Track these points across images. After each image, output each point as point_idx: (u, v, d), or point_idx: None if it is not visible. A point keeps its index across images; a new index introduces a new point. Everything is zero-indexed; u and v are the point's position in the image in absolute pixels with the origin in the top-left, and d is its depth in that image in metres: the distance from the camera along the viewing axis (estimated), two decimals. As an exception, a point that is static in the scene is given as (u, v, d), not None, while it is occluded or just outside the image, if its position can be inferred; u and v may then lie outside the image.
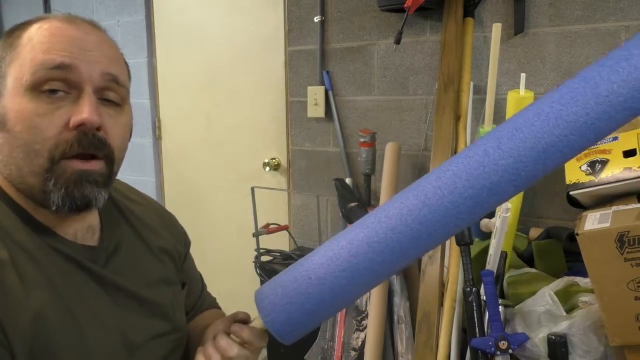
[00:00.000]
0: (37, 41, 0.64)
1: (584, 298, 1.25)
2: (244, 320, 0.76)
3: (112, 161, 0.69)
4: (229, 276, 2.47)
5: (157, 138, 2.77)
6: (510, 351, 1.23)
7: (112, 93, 0.68)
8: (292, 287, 0.69)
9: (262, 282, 1.96)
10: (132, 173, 2.81)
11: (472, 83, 1.74)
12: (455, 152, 1.68)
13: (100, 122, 0.65)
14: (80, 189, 0.65)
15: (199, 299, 0.97)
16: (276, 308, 0.69)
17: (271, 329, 0.69)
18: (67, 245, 0.69)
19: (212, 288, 1.04)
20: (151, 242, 0.83)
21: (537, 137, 0.61)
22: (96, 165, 0.66)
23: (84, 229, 0.72)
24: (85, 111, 0.64)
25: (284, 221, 2.25)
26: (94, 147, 0.65)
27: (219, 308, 1.02)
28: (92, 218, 0.74)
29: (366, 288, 0.70)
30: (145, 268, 0.79)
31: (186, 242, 0.94)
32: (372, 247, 0.65)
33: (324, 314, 0.70)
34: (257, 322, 0.73)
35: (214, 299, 1.03)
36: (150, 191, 2.77)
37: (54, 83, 0.63)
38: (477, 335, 1.28)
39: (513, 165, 0.62)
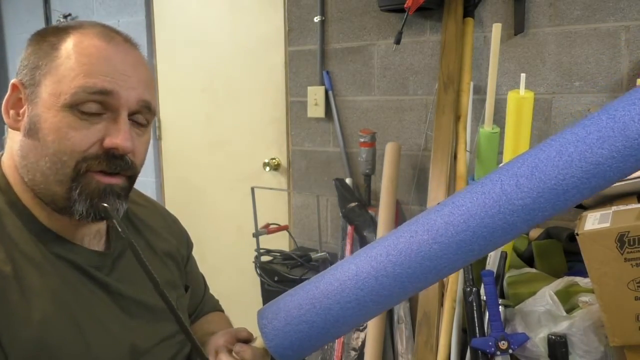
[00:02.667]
0: (76, 61, 0.65)
1: (584, 298, 1.25)
2: (247, 339, 0.77)
3: (134, 178, 0.72)
4: (229, 276, 2.47)
5: (157, 138, 2.77)
6: (510, 351, 1.23)
7: (144, 117, 0.71)
8: (296, 314, 0.69)
9: (262, 282, 1.96)
10: (132, 173, 2.81)
11: (472, 83, 1.74)
12: (455, 152, 1.68)
13: (132, 149, 0.68)
14: (104, 201, 0.67)
15: (201, 302, 0.97)
16: (279, 334, 0.69)
17: (273, 353, 0.70)
18: (74, 252, 0.70)
19: (213, 288, 1.04)
20: (156, 245, 0.83)
21: (559, 179, 0.58)
22: (119, 180, 0.69)
23: (91, 234, 0.73)
24: (120, 137, 0.66)
25: (284, 221, 2.25)
26: (121, 169, 0.68)
27: (222, 310, 1.02)
28: (101, 223, 0.75)
29: (370, 317, 0.70)
30: None
31: (189, 245, 0.94)
32: (379, 281, 0.64)
33: (325, 340, 0.70)
34: (259, 342, 0.74)
35: (217, 301, 1.03)
36: (150, 191, 2.77)
37: (92, 105, 0.65)
38: (477, 335, 1.28)
39: (531, 206, 0.59)
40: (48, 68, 0.66)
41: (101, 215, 0.67)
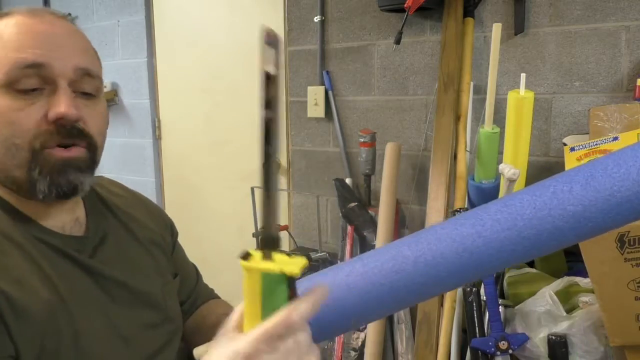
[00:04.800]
0: (6, 39, 0.65)
1: (584, 298, 1.25)
2: None
3: (93, 147, 0.70)
4: (229, 276, 2.47)
5: (157, 138, 2.77)
6: (510, 351, 1.23)
7: (87, 85, 0.69)
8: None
9: (262, 282, 1.96)
10: (132, 173, 2.81)
11: (472, 83, 1.74)
12: (455, 152, 1.68)
13: (78, 115, 0.66)
14: (65, 176, 0.66)
15: (194, 289, 0.96)
16: None
17: None
18: (53, 236, 0.69)
19: (213, 288, 1.04)
20: (139, 234, 0.82)
21: (614, 190, 0.56)
22: (78, 152, 0.68)
23: (71, 221, 0.72)
24: (62, 105, 0.65)
25: (283, 221, 2.25)
26: (74, 137, 0.67)
27: (219, 298, 1.01)
28: (79, 210, 0.75)
29: (396, 307, 0.69)
30: (133, 258, 0.79)
31: (173, 232, 0.94)
32: (417, 267, 0.63)
33: (348, 325, 0.69)
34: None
35: (212, 290, 1.02)
36: (150, 192, 2.77)
37: (28, 81, 0.64)
38: (477, 335, 1.28)
39: (581, 214, 0.58)
40: None
41: (64, 190, 0.66)
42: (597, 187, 0.57)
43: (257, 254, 0.49)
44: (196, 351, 0.79)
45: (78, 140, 0.67)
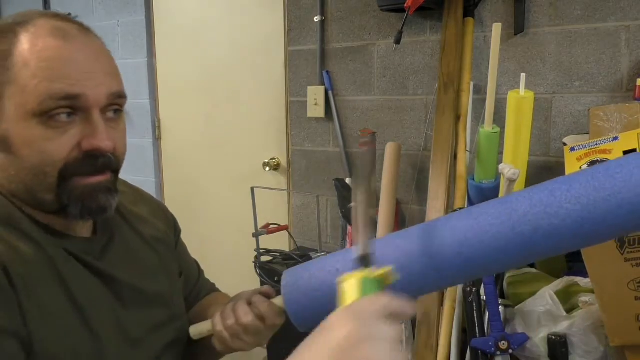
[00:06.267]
0: (36, 67, 0.62)
1: (584, 298, 1.25)
2: (267, 294, 0.78)
3: (118, 168, 0.71)
4: (229, 276, 2.47)
5: (157, 138, 2.77)
6: (510, 351, 1.23)
7: (116, 106, 0.69)
8: (320, 275, 0.69)
9: (262, 283, 1.96)
10: (132, 173, 2.81)
11: (472, 83, 1.74)
12: (455, 152, 1.68)
13: (113, 147, 0.67)
14: (96, 200, 0.67)
15: (196, 284, 0.97)
16: (300, 296, 0.69)
17: (290, 313, 0.70)
18: (63, 238, 0.69)
19: (212, 286, 1.04)
20: (144, 232, 0.83)
21: (614, 190, 0.55)
22: (105, 177, 0.68)
23: (80, 224, 0.73)
24: (98, 138, 0.65)
25: (284, 221, 2.25)
26: (105, 167, 0.67)
27: (220, 291, 1.02)
28: None
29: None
30: (141, 258, 0.79)
31: (176, 229, 0.94)
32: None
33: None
34: (278, 300, 0.75)
35: (213, 284, 1.03)
36: (150, 192, 2.75)
37: (61, 110, 0.63)
38: (477, 335, 1.28)
39: (579, 213, 0.56)
40: (7, 79, 0.63)
41: (95, 214, 0.67)
42: (597, 187, 0.55)
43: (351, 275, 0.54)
44: (192, 329, 0.81)
45: (108, 168, 0.68)
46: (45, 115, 0.63)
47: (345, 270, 0.61)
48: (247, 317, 0.74)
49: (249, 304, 0.76)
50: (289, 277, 0.72)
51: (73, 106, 0.64)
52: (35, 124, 0.63)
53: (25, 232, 0.65)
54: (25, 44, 0.63)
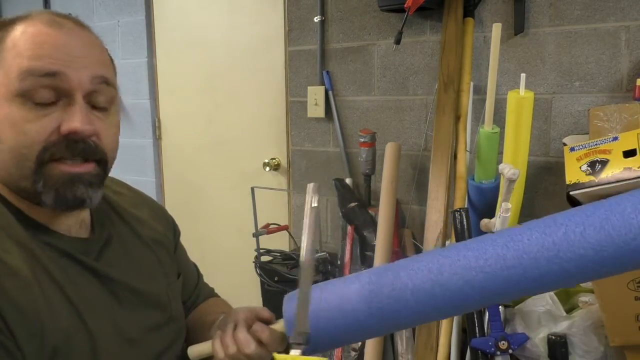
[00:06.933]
0: (22, 47, 0.63)
1: (584, 298, 1.25)
2: (267, 320, 0.76)
3: (105, 162, 0.69)
4: (229, 276, 2.47)
5: (157, 138, 2.77)
6: (510, 351, 1.23)
7: (102, 96, 0.68)
8: (325, 305, 0.68)
9: (262, 283, 1.96)
10: (132, 173, 2.81)
11: (472, 83, 1.74)
12: (455, 152, 1.68)
13: (92, 130, 0.65)
14: (72, 190, 0.65)
15: (195, 289, 0.96)
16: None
17: (292, 339, 0.69)
18: (60, 239, 0.69)
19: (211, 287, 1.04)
20: (143, 234, 0.82)
21: (629, 237, 0.53)
22: (88, 168, 0.67)
23: (77, 223, 0.72)
24: (77, 120, 0.63)
25: (284, 221, 2.25)
26: (85, 153, 0.65)
27: (219, 297, 1.02)
28: (84, 212, 0.74)
29: (389, 328, 0.69)
30: (138, 259, 0.79)
31: (175, 231, 0.94)
32: (414, 295, 0.63)
33: (349, 338, 0.70)
34: (279, 325, 0.73)
35: (212, 288, 1.02)
36: (150, 192, 2.77)
37: (43, 92, 0.63)
38: (477, 335, 1.28)
39: (592, 258, 0.55)
40: None
41: (70, 204, 0.66)
42: (611, 233, 0.54)
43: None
44: (190, 350, 0.80)
45: (89, 155, 0.66)
46: (26, 95, 0.62)
47: (348, 297, 0.65)
48: (249, 346, 0.71)
49: (249, 326, 0.73)
50: (291, 302, 0.71)
51: (55, 86, 0.63)
52: (17, 104, 0.62)
53: (15, 239, 0.64)
54: (18, 30, 0.64)
